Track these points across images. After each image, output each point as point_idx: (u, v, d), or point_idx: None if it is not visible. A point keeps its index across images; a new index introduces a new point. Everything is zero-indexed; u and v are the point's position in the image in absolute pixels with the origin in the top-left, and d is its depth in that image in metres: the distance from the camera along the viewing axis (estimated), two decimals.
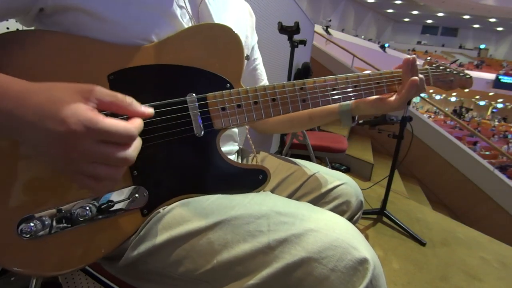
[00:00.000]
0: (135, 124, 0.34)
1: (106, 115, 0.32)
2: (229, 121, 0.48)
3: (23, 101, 0.31)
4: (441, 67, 0.69)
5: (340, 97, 0.55)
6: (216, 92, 0.47)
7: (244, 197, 0.47)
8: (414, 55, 0.57)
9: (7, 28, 0.42)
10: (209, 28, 0.48)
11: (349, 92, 0.56)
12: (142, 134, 0.43)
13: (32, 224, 0.36)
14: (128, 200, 0.43)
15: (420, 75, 0.58)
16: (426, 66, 0.67)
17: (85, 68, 0.41)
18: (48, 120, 0.30)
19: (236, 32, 0.49)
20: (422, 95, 0.69)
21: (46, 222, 0.37)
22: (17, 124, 0.31)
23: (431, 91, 20.55)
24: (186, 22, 0.51)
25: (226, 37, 0.49)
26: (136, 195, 0.43)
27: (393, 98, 0.58)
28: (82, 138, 0.30)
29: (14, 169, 0.37)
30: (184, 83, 0.46)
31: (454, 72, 0.70)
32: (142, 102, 0.42)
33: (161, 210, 0.46)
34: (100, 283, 0.51)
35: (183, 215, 0.44)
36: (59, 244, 0.39)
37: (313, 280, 0.36)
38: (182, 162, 0.47)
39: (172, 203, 0.46)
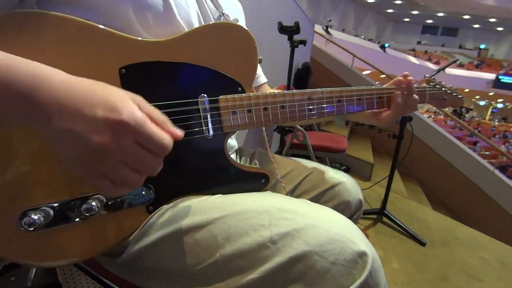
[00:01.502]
0: (171, 140, 0.34)
1: None
2: (238, 125, 0.48)
3: (71, 87, 0.30)
4: (437, 86, 0.74)
5: (344, 109, 0.58)
6: (228, 96, 0.47)
7: (245, 195, 0.48)
8: (411, 78, 0.62)
9: None
10: (226, 29, 0.48)
11: (354, 103, 0.59)
12: None
13: (35, 217, 0.36)
14: (135, 197, 0.43)
15: (415, 96, 0.62)
16: (424, 84, 0.72)
17: (95, 58, 0.39)
18: (100, 108, 0.29)
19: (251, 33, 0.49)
20: None
21: (51, 215, 0.37)
22: (56, 106, 0.29)
23: None
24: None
25: (242, 40, 0.48)
26: (143, 192, 0.43)
27: (385, 113, 0.63)
28: (127, 133, 0.30)
29: (23, 160, 0.36)
30: (196, 83, 0.46)
31: (449, 91, 0.75)
32: (153, 100, 0.42)
33: (164, 206, 0.46)
34: (100, 283, 0.51)
35: (186, 210, 0.44)
36: (62, 236, 0.39)
37: (315, 273, 0.36)
38: (189, 162, 0.47)
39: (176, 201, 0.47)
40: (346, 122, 0.68)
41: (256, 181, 0.52)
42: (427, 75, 0.77)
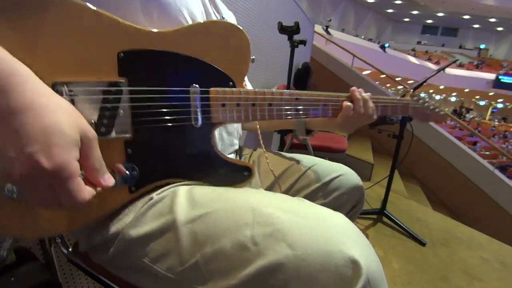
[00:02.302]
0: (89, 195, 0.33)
1: None
2: (226, 117, 0.50)
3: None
4: (420, 101, 0.77)
5: (330, 112, 0.61)
6: (219, 88, 0.49)
7: (234, 191, 0.46)
8: (360, 89, 0.63)
9: None
10: (224, 27, 0.51)
11: (338, 107, 0.62)
12: (141, 115, 0.44)
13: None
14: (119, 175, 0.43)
15: (371, 104, 0.62)
16: (408, 98, 0.75)
17: (95, 40, 0.40)
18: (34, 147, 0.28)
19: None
20: (423, 95, 0.77)
21: None
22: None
23: (431, 90, 20.54)
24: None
25: (237, 39, 0.51)
26: (127, 172, 0.44)
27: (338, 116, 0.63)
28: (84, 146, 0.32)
29: None
30: (190, 74, 0.48)
31: (431, 107, 0.78)
32: (146, 85, 0.44)
33: (154, 196, 0.45)
34: (100, 283, 0.51)
35: (173, 205, 0.43)
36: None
37: (300, 282, 0.33)
38: (175, 147, 0.48)
39: (159, 184, 0.47)
40: (307, 132, 0.69)
41: (238, 173, 0.53)
42: (411, 89, 0.82)
